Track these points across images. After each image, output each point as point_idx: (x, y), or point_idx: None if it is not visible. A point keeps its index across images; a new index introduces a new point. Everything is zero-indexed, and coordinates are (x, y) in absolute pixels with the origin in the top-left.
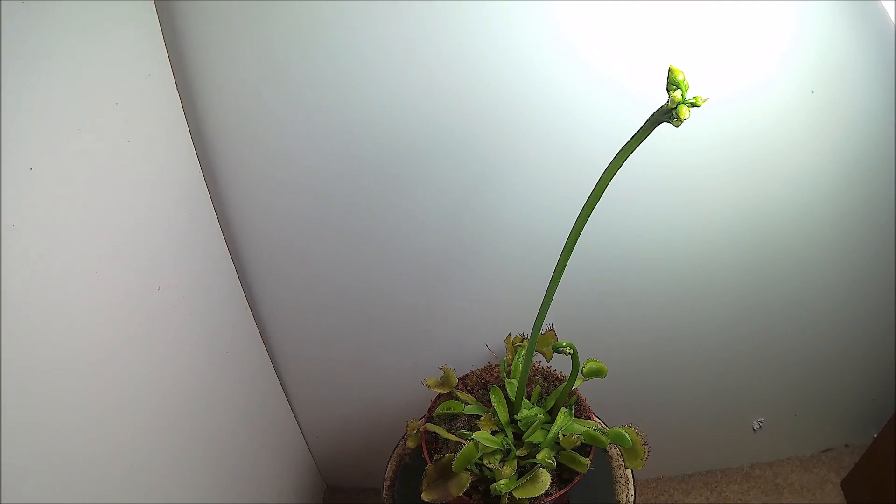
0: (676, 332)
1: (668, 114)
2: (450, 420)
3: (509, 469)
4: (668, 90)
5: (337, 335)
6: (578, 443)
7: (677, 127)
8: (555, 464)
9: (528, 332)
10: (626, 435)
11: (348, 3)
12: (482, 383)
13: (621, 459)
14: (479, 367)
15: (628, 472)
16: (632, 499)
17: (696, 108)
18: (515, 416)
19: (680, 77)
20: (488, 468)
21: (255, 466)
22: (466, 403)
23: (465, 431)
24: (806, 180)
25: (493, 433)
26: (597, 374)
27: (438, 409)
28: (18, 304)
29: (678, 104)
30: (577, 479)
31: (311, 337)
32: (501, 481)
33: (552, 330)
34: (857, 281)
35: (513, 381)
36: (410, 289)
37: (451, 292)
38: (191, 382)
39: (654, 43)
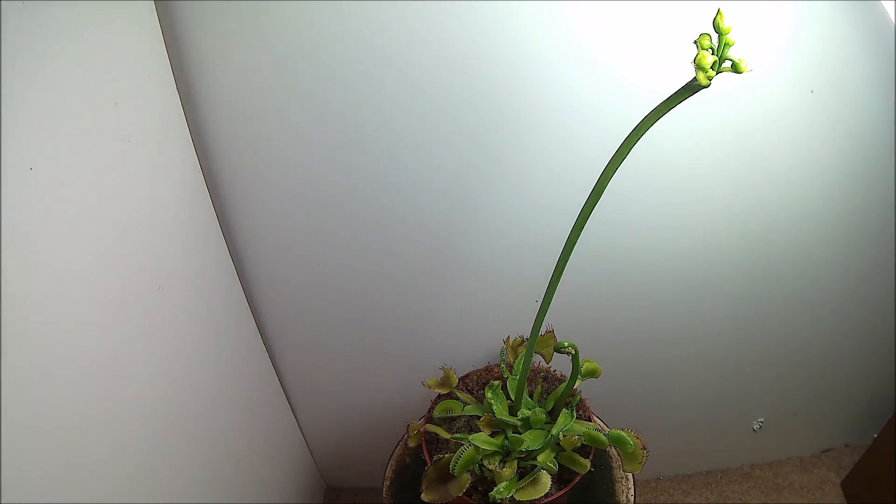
0: (676, 333)
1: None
2: (450, 420)
3: (509, 471)
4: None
5: (337, 335)
6: (579, 443)
7: (707, 86)
8: (556, 467)
9: (527, 332)
10: (627, 438)
11: (350, 1)
12: (482, 384)
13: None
14: (479, 368)
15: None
16: (632, 499)
17: (738, 73)
18: (516, 416)
19: (725, 25)
20: (488, 469)
21: (255, 466)
22: (466, 404)
23: (463, 434)
24: (806, 180)
25: (493, 434)
26: (592, 374)
27: (437, 411)
28: (18, 303)
29: (703, 50)
30: (577, 479)
31: (311, 337)
32: (501, 486)
33: (551, 331)
34: (857, 281)
35: (514, 377)
36: (411, 288)
37: (451, 292)
38: (190, 382)
39: (656, 41)
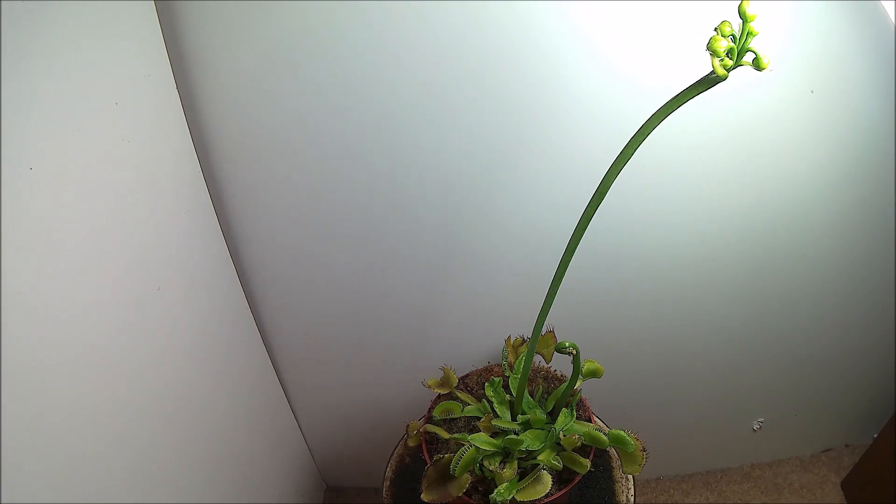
0: (676, 332)
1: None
2: (450, 420)
3: (510, 472)
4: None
5: (337, 335)
6: (579, 443)
7: (724, 78)
8: (560, 464)
9: (528, 332)
10: (628, 438)
11: (355, 1)
12: (482, 384)
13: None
14: (479, 368)
15: None
16: (632, 499)
17: (759, 70)
18: (516, 416)
19: (750, 11)
20: (489, 469)
21: (255, 466)
22: (466, 404)
23: (463, 435)
24: (806, 180)
25: (493, 434)
26: (594, 374)
27: (437, 411)
28: (18, 303)
29: (721, 37)
30: (577, 479)
31: (311, 337)
32: (502, 487)
33: (552, 331)
34: (857, 280)
35: (516, 375)
36: (411, 288)
37: (451, 292)
38: (190, 382)
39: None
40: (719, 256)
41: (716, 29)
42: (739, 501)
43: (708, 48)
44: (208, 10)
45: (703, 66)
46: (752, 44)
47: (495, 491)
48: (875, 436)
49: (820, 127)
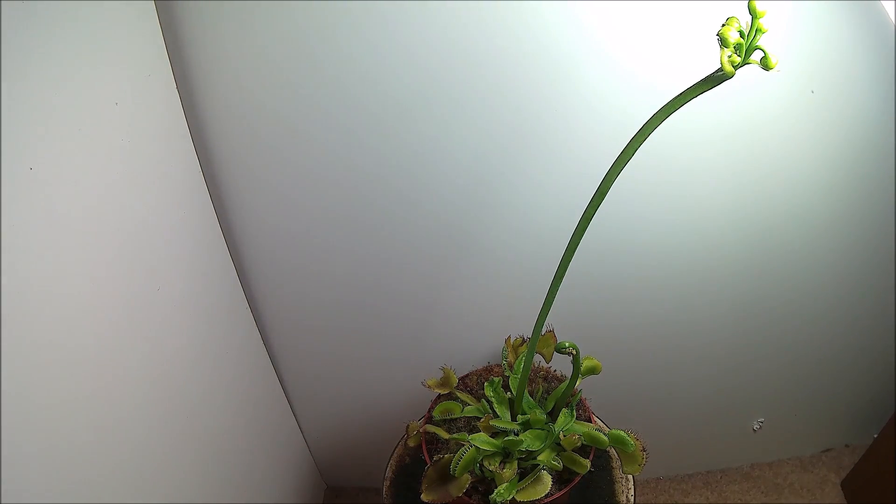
0: (676, 332)
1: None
2: (450, 420)
3: (509, 472)
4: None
5: (337, 335)
6: (579, 443)
7: (731, 76)
8: (561, 465)
9: (528, 332)
10: (628, 438)
11: (355, 1)
12: (482, 384)
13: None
14: (479, 368)
15: None
16: (632, 499)
17: (767, 69)
18: (516, 416)
19: (759, 8)
20: (489, 469)
21: (255, 466)
22: (466, 404)
23: (463, 435)
24: (806, 179)
25: (493, 434)
26: (592, 371)
27: (436, 411)
28: (18, 304)
29: (730, 32)
30: (577, 479)
31: (311, 337)
32: (501, 488)
33: (552, 331)
34: (856, 280)
35: (516, 375)
36: (411, 289)
37: (451, 292)
38: (190, 382)
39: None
40: (719, 256)
41: (723, 25)
42: (739, 501)
43: (718, 36)
44: (208, 10)
45: (707, 67)
46: (760, 42)
47: (495, 491)
48: (875, 436)
49: (820, 127)
